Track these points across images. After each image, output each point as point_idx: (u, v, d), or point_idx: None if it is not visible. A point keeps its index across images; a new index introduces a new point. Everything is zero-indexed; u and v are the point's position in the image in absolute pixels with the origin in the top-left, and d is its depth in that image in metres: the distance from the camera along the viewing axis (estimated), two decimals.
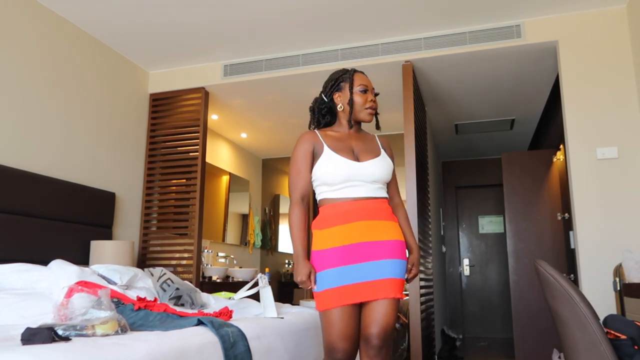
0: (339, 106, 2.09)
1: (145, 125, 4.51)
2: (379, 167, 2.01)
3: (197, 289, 3.01)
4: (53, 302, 1.72)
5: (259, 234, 6.46)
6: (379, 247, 1.93)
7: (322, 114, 2.14)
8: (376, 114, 2.12)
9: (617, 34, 3.53)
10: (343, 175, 1.95)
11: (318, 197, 2.05)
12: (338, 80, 2.11)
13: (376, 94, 2.12)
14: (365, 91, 2.06)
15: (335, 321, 1.86)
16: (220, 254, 5.48)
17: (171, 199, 4.39)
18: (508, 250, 4.98)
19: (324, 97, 2.13)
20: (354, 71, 2.12)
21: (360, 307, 1.93)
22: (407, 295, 4.00)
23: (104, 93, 4.01)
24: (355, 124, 2.11)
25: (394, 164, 2.13)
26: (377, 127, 2.18)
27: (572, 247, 3.97)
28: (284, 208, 7.15)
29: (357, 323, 1.91)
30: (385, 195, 2.05)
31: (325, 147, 2.00)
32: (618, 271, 3.03)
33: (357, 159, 2.00)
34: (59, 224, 3.38)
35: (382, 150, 2.09)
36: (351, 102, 2.05)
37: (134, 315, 1.96)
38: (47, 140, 3.45)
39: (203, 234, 4.74)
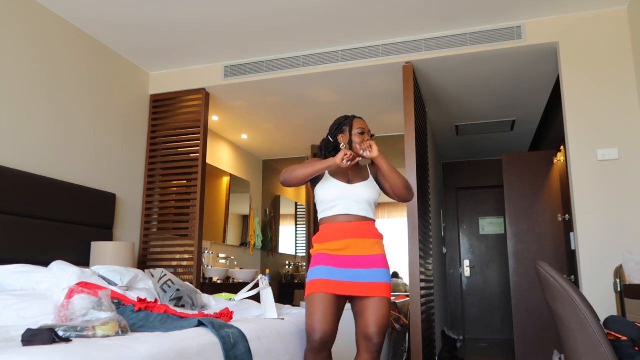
0: (341, 145, 2.47)
1: (145, 126, 4.51)
2: (367, 188, 2.39)
3: (198, 290, 3.00)
4: (53, 303, 1.72)
5: (259, 235, 6.46)
6: (367, 259, 2.29)
7: (329, 151, 2.52)
8: None
9: (617, 35, 3.53)
10: (335, 194, 2.35)
11: (319, 217, 2.45)
12: (341, 124, 2.51)
13: (372, 135, 2.50)
14: (362, 133, 2.45)
15: (316, 304, 2.18)
16: (221, 255, 5.48)
17: (172, 200, 4.40)
18: (508, 252, 4.98)
19: (330, 138, 2.53)
20: (354, 117, 2.52)
21: (341, 304, 2.27)
22: (407, 296, 4.00)
23: (104, 94, 4.02)
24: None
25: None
26: (372, 162, 2.52)
27: (573, 248, 3.97)
28: (284, 209, 7.15)
29: (336, 313, 2.22)
30: (372, 217, 2.40)
31: (326, 173, 2.43)
32: (619, 272, 3.02)
33: (349, 183, 2.40)
34: (59, 225, 3.39)
35: (370, 177, 2.47)
36: (350, 142, 2.45)
37: (134, 317, 1.95)
38: (47, 141, 3.45)
39: (204, 235, 4.75)
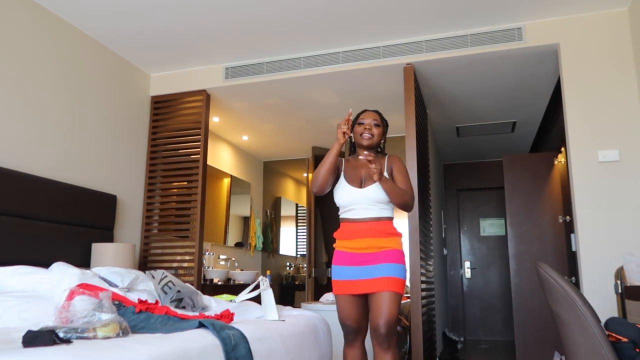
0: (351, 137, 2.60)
1: (146, 127, 4.52)
2: (377, 190, 2.43)
3: (199, 292, 3.00)
4: (54, 304, 1.72)
5: (260, 237, 6.46)
6: (377, 255, 2.39)
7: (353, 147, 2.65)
8: (382, 144, 2.61)
9: (618, 36, 3.53)
10: (347, 200, 2.46)
11: (339, 215, 2.55)
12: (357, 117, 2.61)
13: (377, 125, 2.53)
14: (361, 123, 2.53)
15: (340, 305, 2.42)
16: (222, 257, 5.47)
17: (172, 202, 4.40)
18: (509, 253, 4.98)
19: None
20: (365, 111, 2.59)
21: (365, 299, 2.42)
22: (408, 297, 4.00)
23: (105, 95, 4.02)
24: (363, 150, 2.54)
25: (405, 171, 2.53)
26: (382, 151, 2.65)
27: (574, 249, 3.97)
28: (285, 210, 7.15)
29: (360, 308, 2.42)
30: (387, 215, 2.46)
31: (342, 175, 2.52)
32: (619, 274, 3.02)
33: (361, 186, 2.46)
34: (60, 227, 3.39)
35: (385, 174, 2.49)
36: (353, 132, 2.55)
37: (135, 318, 1.96)
38: (48, 142, 3.46)
39: (204, 237, 4.74)
